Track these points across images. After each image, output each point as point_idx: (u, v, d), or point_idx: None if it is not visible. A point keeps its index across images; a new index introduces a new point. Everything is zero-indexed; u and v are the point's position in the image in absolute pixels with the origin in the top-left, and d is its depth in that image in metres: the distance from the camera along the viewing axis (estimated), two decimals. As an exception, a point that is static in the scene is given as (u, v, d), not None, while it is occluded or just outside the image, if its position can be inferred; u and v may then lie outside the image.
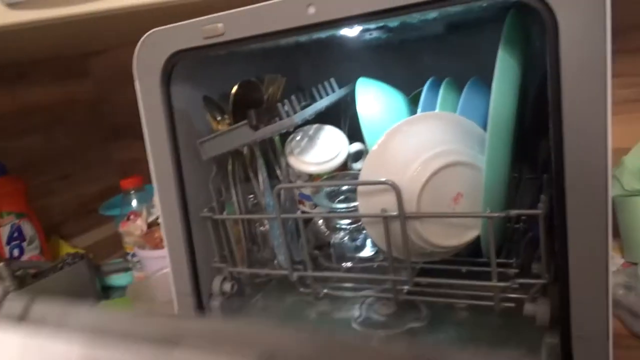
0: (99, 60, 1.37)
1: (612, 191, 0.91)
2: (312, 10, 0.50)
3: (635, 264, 0.77)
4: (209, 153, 0.65)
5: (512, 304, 0.56)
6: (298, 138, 0.72)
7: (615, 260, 0.93)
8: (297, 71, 0.92)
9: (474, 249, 0.63)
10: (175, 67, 0.62)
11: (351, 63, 0.86)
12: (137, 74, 0.63)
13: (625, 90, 0.95)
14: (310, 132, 0.73)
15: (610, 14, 0.42)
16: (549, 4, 0.44)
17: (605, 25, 0.42)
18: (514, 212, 0.51)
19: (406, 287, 0.64)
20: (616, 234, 0.94)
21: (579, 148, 0.45)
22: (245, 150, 0.67)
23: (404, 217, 0.55)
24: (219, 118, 0.68)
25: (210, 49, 0.58)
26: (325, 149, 0.69)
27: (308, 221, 0.72)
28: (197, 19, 0.57)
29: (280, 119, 0.63)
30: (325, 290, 0.65)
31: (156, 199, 0.66)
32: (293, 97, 0.66)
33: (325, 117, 0.74)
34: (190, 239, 0.69)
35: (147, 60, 0.62)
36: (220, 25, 0.55)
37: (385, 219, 0.56)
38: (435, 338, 0.63)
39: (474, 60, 0.66)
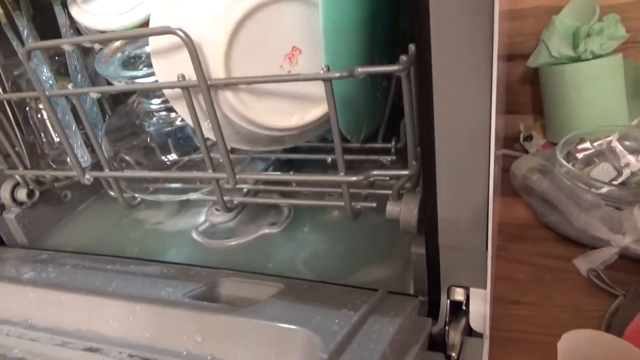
0: None
1: (539, 59, 0.75)
2: None
3: (556, 144, 0.63)
4: None
5: (372, 204, 0.41)
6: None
7: (537, 141, 0.79)
8: None
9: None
10: None
11: None
12: None
13: None
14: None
15: None
16: None
17: None
18: (362, 70, 0.33)
19: (245, 186, 0.47)
20: (540, 110, 0.80)
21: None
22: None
23: (205, 85, 0.36)
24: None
25: None
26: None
27: (118, 104, 0.52)
28: None
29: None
30: (137, 197, 0.47)
31: None
32: None
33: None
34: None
35: None
36: None
37: (186, 91, 0.37)
38: (282, 248, 0.49)
39: None
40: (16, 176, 0.52)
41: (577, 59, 0.68)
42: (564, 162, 0.59)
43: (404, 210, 0.37)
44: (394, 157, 0.48)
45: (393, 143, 0.48)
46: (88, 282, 0.36)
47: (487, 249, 0.33)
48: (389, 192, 0.39)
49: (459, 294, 0.35)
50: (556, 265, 0.55)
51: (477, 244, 0.33)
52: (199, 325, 0.30)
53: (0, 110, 0.47)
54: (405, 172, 0.37)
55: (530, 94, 0.82)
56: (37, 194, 0.54)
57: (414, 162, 0.37)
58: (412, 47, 0.33)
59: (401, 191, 0.39)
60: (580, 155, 0.63)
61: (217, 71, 0.36)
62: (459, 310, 0.36)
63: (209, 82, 0.36)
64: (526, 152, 0.78)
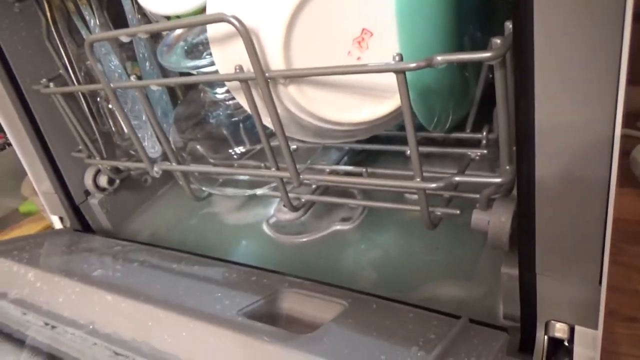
0: None
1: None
2: None
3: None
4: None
5: (455, 211, 0.35)
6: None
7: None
8: None
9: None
10: None
11: None
12: None
13: None
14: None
15: None
16: None
17: None
18: (443, 59, 0.26)
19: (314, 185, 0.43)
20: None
21: None
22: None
23: (263, 77, 0.32)
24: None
25: None
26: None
27: (188, 93, 0.50)
28: None
29: None
30: (205, 190, 0.45)
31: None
32: None
33: None
34: (34, 122, 0.50)
35: None
36: None
37: (245, 84, 0.33)
38: (353, 247, 0.44)
39: None
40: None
41: None
42: None
43: (494, 222, 0.31)
44: (485, 151, 0.41)
45: (484, 133, 0.41)
46: (150, 286, 0.36)
47: (600, 283, 0.26)
48: (477, 196, 0.33)
49: (560, 331, 0.29)
50: (686, 276, 0.45)
51: (586, 275, 0.26)
52: (249, 351, 0.28)
53: (76, 100, 0.47)
54: (496, 180, 0.30)
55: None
56: (117, 181, 0.55)
57: (507, 167, 0.30)
58: (508, 26, 0.26)
59: (492, 196, 0.32)
60: None
61: (275, 62, 0.32)
62: (560, 347, 0.30)
63: (267, 74, 0.32)
64: (655, 132, 0.65)
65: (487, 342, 0.27)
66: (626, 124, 0.73)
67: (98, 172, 0.54)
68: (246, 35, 0.30)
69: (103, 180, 0.54)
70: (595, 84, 0.23)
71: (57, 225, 0.58)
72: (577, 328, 0.28)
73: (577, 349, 0.28)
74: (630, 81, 0.72)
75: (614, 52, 0.22)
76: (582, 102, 0.23)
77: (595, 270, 0.26)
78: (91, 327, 0.33)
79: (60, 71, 0.49)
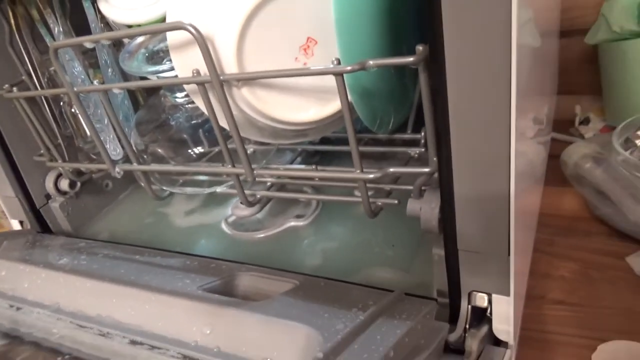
0: None
1: (598, 35, 0.68)
2: None
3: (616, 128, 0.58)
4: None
5: (394, 201, 0.39)
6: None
7: (595, 125, 0.73)
8: None
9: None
10: None
11: None
12: None
13: None
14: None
15: None
16: None
17: None
18: (374, 63, 0.31)
19: (268, 180, 0.47)
20: (598, 91, 0.73)
21: None
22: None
23: (218, 80, 0.35)
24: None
25: None
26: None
27: (149, 98, 0.53)
28: None
29: None
30: (166, 190, 0.48)
31: None
32: None
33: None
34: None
35: None
36: None
37: (202, 86, 0.36)
38: (307, 241, 0.48)
39: None
40: (58, 168, 0.54)
41: (641, 35, 0.62)
42: (621, 150, 0.54)
43: (425, 209, 0.35)
44: (423, 149, 0.45)
45: (422, 134, 0.46)
46: (114, 271, 0.38)
47: (509, 254, 0.30)
48: (412, 187, 0.37)
49: (481, 300, 0.33)
50: (607, 263, 0.51)
51: (498, 249, 0.31)
52: (208, 317, 0.31)
53: (39, 105, 0.49)
54: (425, 170, 0.34)
55: (588, 73, 0.75)
56: (78, 184, 0.57)
57: (434, 159, 0.34)
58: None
59: (424, 188, 0.37)
60: (640, 143, 0.57)
61: (229, 66, 0.35)
62: (483, 316, 0.34)
63: (221, 77, 0.35)
64: (582, 136, 0.72)
65: (418, 307, 0.31)
66: (558, 129, 0.80)
67: (59, 175, 0.56)
68: (202, 42, 0.34)
69: (64, 184, 0.56)
70: (492, 89, 0.27)
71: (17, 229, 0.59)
72: (494, 296, 0.32)
73: (495, 315, 0.33)
74: (559, 91, 0.78)
75: (504, 63, 0.26)
76: (482, 104, 0.27)
77: (504, 243, 0.30)
78: (57, 306, 0.35)
79: (23, 77, 0.51)
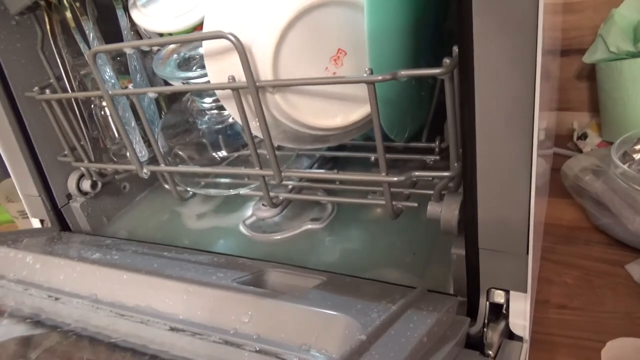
0: None
1: (596, 55, 0.72)
2: None
3: (612, 143, 0.61)
4: (15, 4, 0.46)
5: (414, 204, 0.41)
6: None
7: (592, 140, 0.76)
8: None
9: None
10: None
11: None
12: None
13: None
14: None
15: None
16: None
17: None
18: (404, 73, 0.33)
19: (290, 183, 0.49)
20: (595, 108, 0.77)
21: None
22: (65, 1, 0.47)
23: (254, 87, 0.37)
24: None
25: None
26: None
27: (174, 102, 0.55)
28: None
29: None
30: (189, 190, 0.50)
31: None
32: None
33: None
34: (23, 128, 0.53)
35: None
36: None
37: (236, 92, 0.39)
38: (324, 243, 0.50)
39: None
40: (81, 168, 0.56)
41: (637, 55, 0.65)
42: (620, 163, 0.57)
43: (445, 211, 0.38)
44: (438, 157, 0.48)
45: (437, 143, 0.48)
46: (147, 265, 0.40)
47: (527, 253, 0.33)
48: (431, 192, 0.39)
49: (499, 297, 0.35)
50: (607, 270, 0.53)
51: (517, 248, 0.33)
52: (246, 307, 0.33)
53: (68, 107, 0.51)
54: (446, 174, 0.37)
55: (586, 91, 0.79)
56: (99, 185, 0.58)
57: (455, 164, 0.37)
58: (455, 50, 0.34)
59: (443, 192, 0.39)
60: (637, 156, 0.60)
61: (265, 73, 0.38)
62: (499, 312, 0.36)
63: (257, 83, 0.38)
64: (580, 151, 0.75)
65: (441, 302, 0.33)
66: (557, 144, 0.83)
67: (82, 176, 0.57)
68: (242, 50, 0.36)
69: (86, 185, 0.57)
70: (518, 100, 0.29)
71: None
72: (512, 293, 0.35)
73: (512, 311, 0.35)
74: (558, 108, 0.82)
75: (530, 71, 0.29)
76: (507, 112, 0.30)
77: (523, 242, 0.33)
78: (94, 297, 0.36)
79: (51, 80, 0.53)
